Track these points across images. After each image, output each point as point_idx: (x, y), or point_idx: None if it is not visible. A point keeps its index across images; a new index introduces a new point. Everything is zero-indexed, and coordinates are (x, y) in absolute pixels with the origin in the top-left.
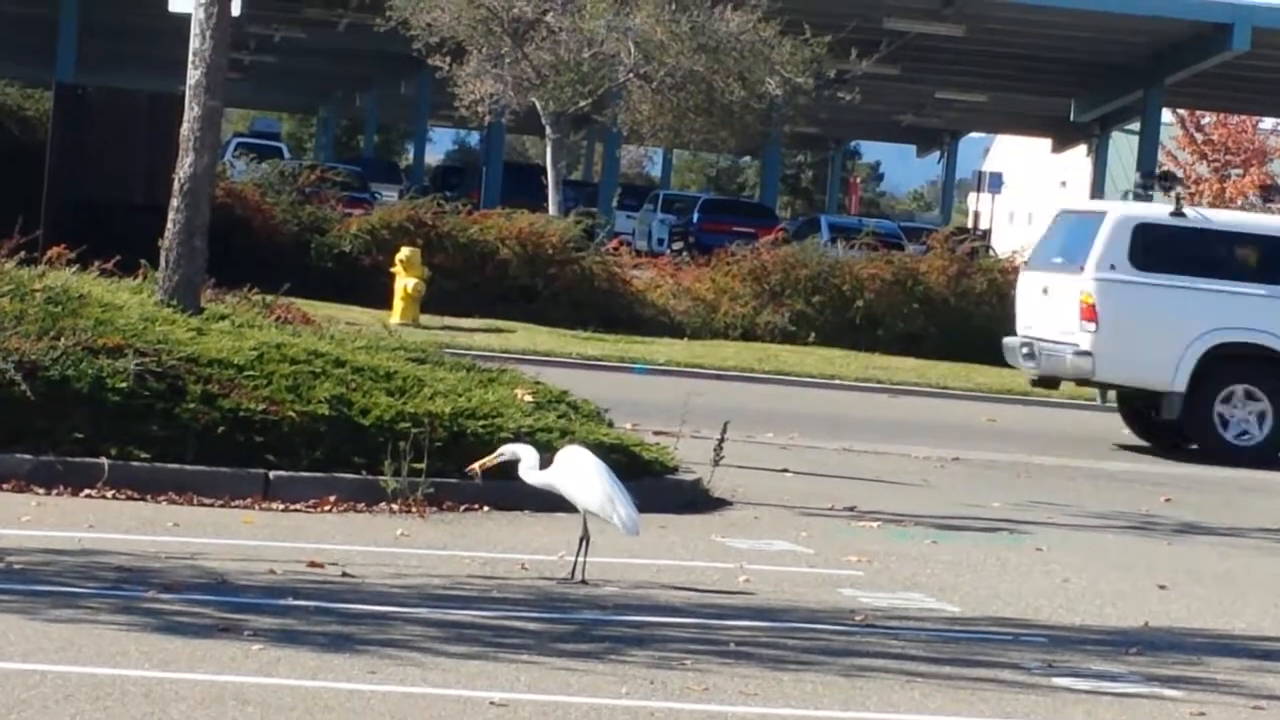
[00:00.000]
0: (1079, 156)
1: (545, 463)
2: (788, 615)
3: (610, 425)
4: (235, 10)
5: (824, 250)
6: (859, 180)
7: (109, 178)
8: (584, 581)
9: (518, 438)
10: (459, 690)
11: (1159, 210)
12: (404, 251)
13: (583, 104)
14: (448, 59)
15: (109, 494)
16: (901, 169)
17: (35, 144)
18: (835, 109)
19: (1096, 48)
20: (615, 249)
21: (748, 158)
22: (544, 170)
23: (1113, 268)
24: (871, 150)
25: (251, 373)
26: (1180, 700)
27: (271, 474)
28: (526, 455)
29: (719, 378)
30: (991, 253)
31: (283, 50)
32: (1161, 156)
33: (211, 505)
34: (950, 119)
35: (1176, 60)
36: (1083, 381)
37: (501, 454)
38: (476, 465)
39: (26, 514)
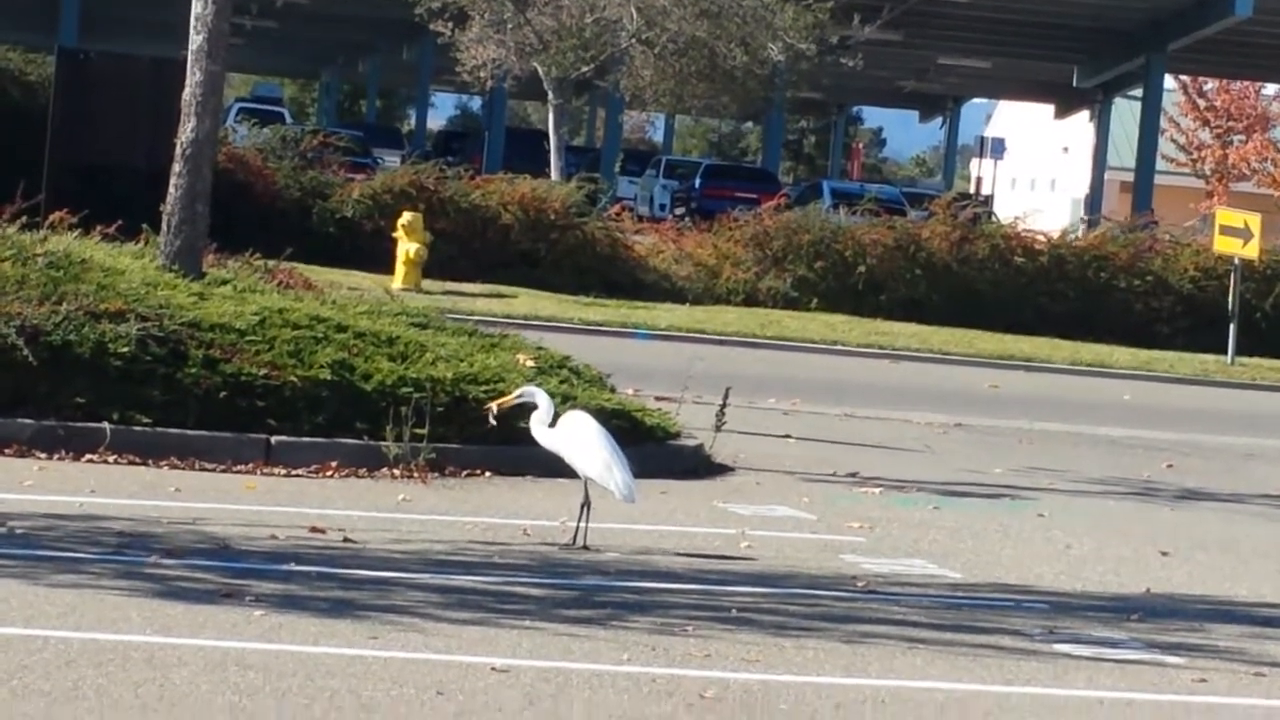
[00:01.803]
0: (1082, 122)
1: (550, 425)
2: (789, 581)
3: (612, 391)
4: None
5: (826, 216)
6: (861, 146)
7: (111, 143)
8: (586, 547)
9: None
10: (460, 656)
11: None
12: (406, 217)
13: (585, 69)
14: (450, 24)
15: (111, 459)
16: (904, 135)
17: (37, 109)
18: (838, 74)
19: (1099, 13)
20: (617, 214)
21: (750, 123)
22: (546, 135)
23: None
24: (874, 116)
25: (253, 338)
26: (1182, 666)
27: (273, 439)
28: (542, 404)
29: (721, 343)
30: (994, 218)
31: (285, 15)
32: (1164, 123)
33: (213, 470)
34: (953, 84)
35: (1179, 26)
36: None
37: (521, 394)
38: (494, 404)
39: (28, 479)
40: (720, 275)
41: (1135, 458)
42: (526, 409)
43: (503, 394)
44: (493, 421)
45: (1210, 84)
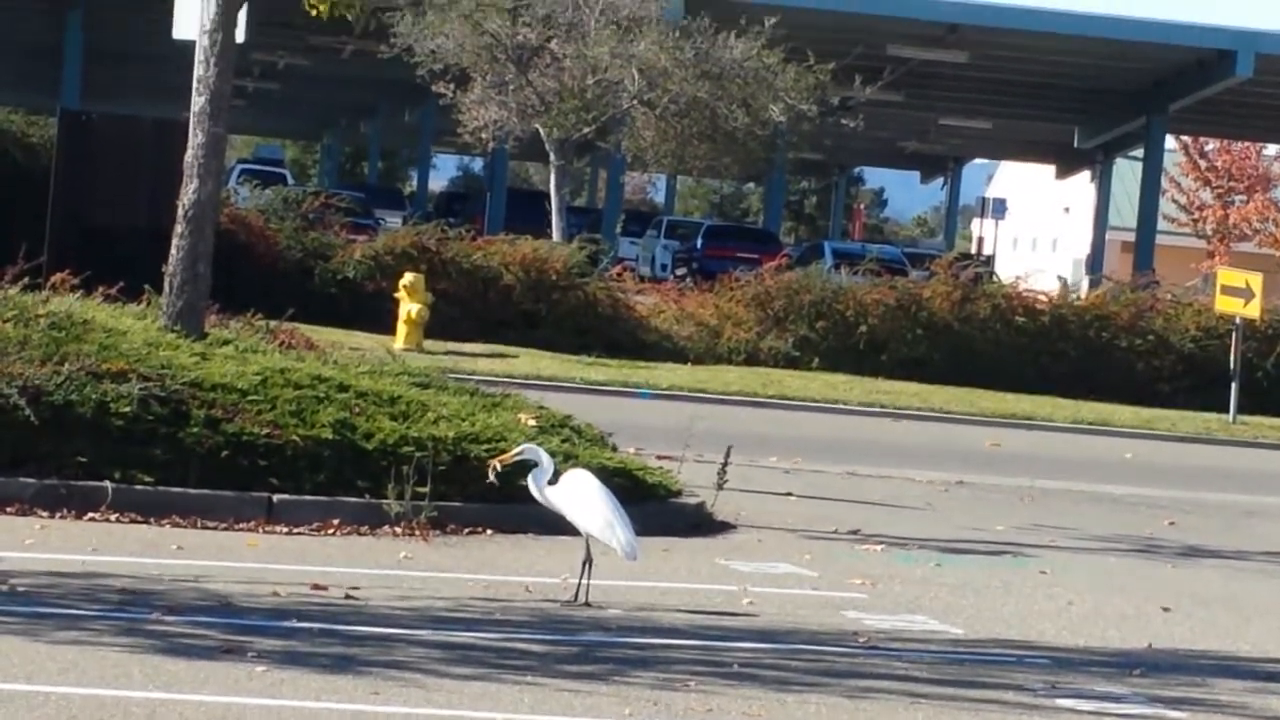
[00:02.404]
0: (1083, 183)
1: (551, 483)
2: (791, 637)
3: (614, 449)
4: (239, 37)
5: (828, 276)
6: (863, 206)
7: (113, 204)
8: (587, 603)
9: None
10: (462, 711)
11: None
12: (408, 277)
13: (586, 130)
14: (452, 86)
15: (113, 517)
16: (905, 195)
17: (40, 170)
18: (839, 135)
19: (1100, 74)
20: (619, 275)
21: (751, 184)
22: (547, 196)
23: None
24: (875, 176)
25: (255, 397)
26: None
27: (275, 497)
28: (543, 462)
29: (722, 402)
30: (995, 278)
31: (286, 77)
32: (1165, 183)
33: (215, 528)
34: (954, 145)
35: (1180, 87)
36: None
37: (522, 451)
38: (495, 461)
39: (30, 537)
40: (722, 335)
41: (1137, 515)
42: (527, 466)
43: (504, 451)
44: (493, 478)
45: (1211, 144)
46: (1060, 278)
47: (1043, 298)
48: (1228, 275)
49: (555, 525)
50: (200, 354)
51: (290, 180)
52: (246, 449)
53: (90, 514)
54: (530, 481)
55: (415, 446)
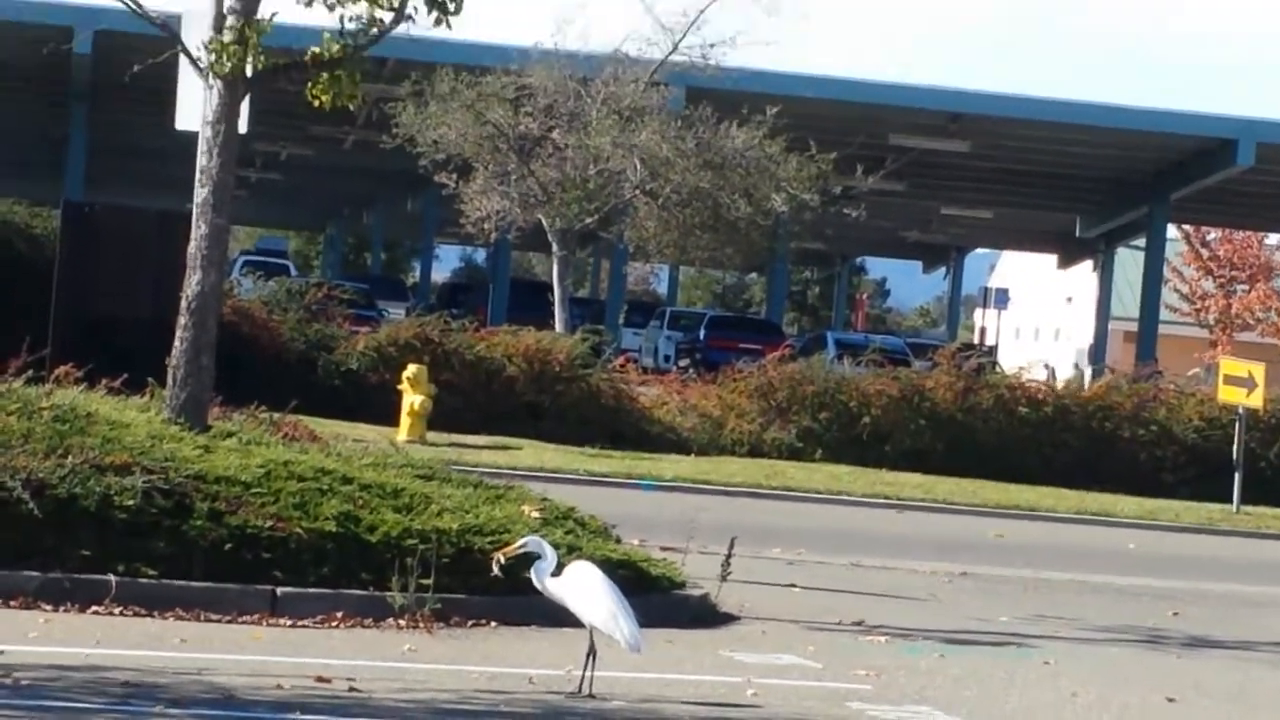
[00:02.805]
0: (1085, 272)
1: (555, 574)
2: None
3: (617, 541)
4: (242, 127)
5: (831, 367)
6: (865, 296)
7: (117, 295)
8: (591, 695)
9: None
10: None
11: None
12: (411, 369)
13: (589, 221)
14: (454, 176)
15: (116, 610)
16: (907, 285)
17: (43, 262)
18: (841, 225)
19: (1101, 164)
20: (622, 366)
21: (754, 274)
22: (550, 287)
23: None
24: (877, 266)
25: (259, 490)
26: None
27: (279, 590)
28: (546, 555)
29: (726, 494)
30: (998, 369)
31: (289, 167)
32: (1167, 272)
33: (219, 621)
34: (956, 234)
35: (1182, 176)
36: None
37: (525, 544)
38: (499, 554)
39: (34, 630)
40: (725, 426)
41: (1141, 606)
42: (530, 559)
43: (507, 543)
44: (497, 571)
45: (1213, 234)
46: (1047, 365)
47: (1044, 388)
48: (1230, 365)
49: (559, 617)
50: (204, 446)
51: (293, 271)
52: (250, 542)
53: (94, 607)
54: (533, 574)
55: (419, 539)
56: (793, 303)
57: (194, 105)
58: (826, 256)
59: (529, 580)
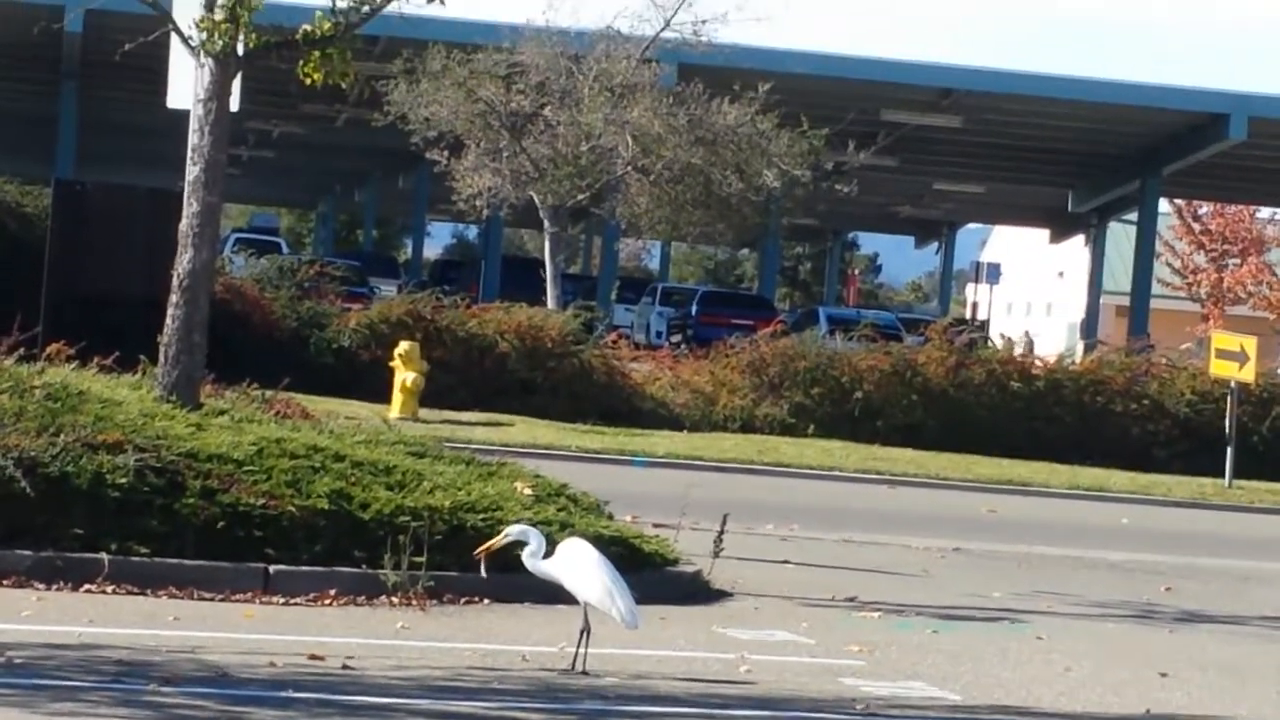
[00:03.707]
0: (1077, 247)
1: (547, 554)
2: (790, 705)
3: (610, 518)
4: (233, 106)
5: (822, 342)
6: (857, 272)
7: (108, 274)
8: (585, 672)
9: None
10: None
11: None
12: (403, 346)
13: (581, 197)
14: (446, 153)
15: (109, 589)
16: (899, 260)
17: (34, 241)
18: (833, 201)
19: (1094, 138)
20: (614, 342)
21: (746, 250)
22: (542, 264)
23: None
24: (869, 241)
25: (251, 468)
26: None
27: (271, 568)
28: (532, 539)
29: (718, 470)
30: (990, 344)
31: (281, 145)
32: (1159, 246)
33: (212, 599)
34: (948, 210)
35: (1174, 150)
36: None
37: (508, 534)
38: (481, 550)
39: (27, 609)
40: (717, 402)
41: (1134, 580)
42: (518, 547)
43: (501, 521)
44: (484, 573)
45: (1205, 208)
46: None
47: (1037, 363)
48: (1222, 339)
49: (552, 594)
50: (196, 424)
51: (285, 249)
52: (243, 519)
53: (87, 586)
54: (526, 561)
55: (411, 516)
56: (785, 278)
57: (185, 83)
58: (818, 232)
59: (521, 558)
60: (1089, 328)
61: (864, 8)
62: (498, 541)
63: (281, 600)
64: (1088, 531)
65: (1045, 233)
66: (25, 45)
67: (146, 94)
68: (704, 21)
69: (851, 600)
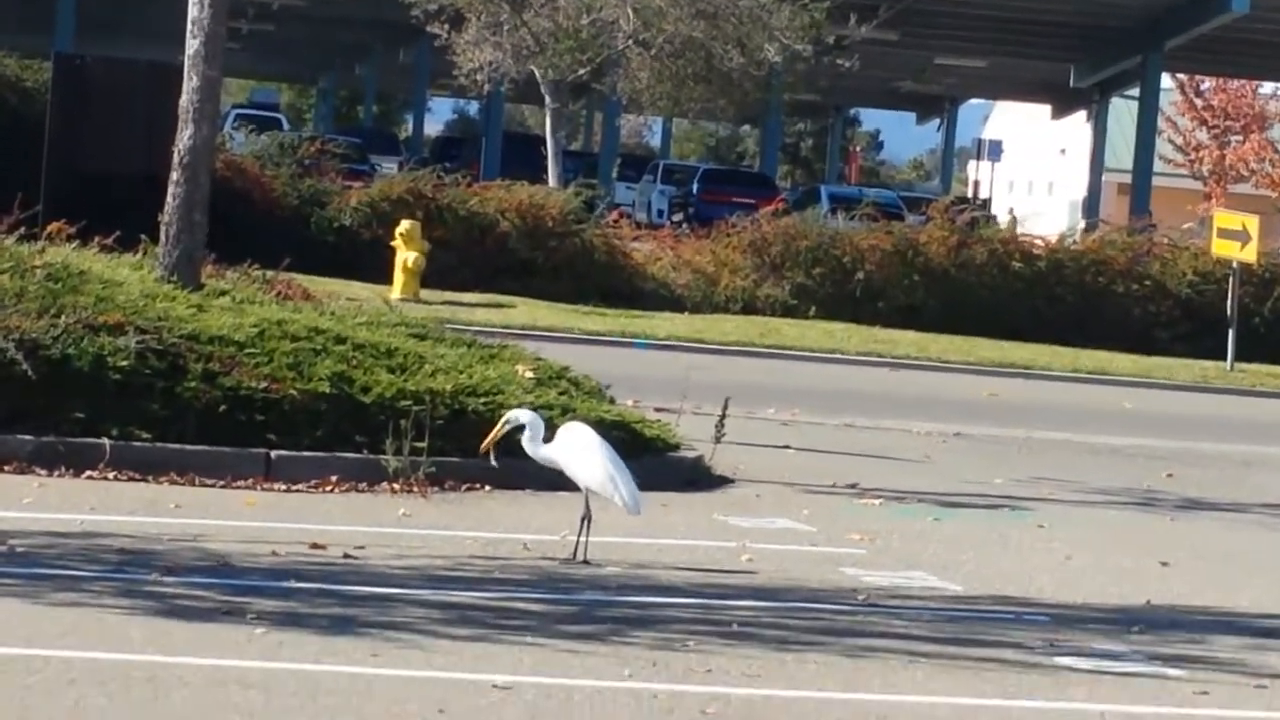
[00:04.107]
0: (1079, 124)
1: (547, 438)
2: (790, 595)
3: (611, 402)
4: None
5: (824, 221)
6: (858, 149)
7: (109, 150)
8: (586, 561)
9: None
10: (462, 674)
11: None
12: (404, 225)
13: (582, 72)
14: (446, 26)
15: (110, 475)
16: (901, 137)
17: (34, 115)
18: (834, 75)
19: (1096, 11)
20: (615, 221)
21: (747, 126)
22: (543, 141)
23: None
24: (871, 118)
25: (252, 350)
26: (1183, 680)
27: (273, 454)
28: (531, 423)
29: (720, 353)
30: (992, 222)
31: (281, 18)
32: (1161, 123)
33: (213, 486)
34: (950, 85)
35: (1176, 24)
36: None
37: (507, 421)
38: (485, 443)
39: (28, 496)
40: (719, 283)
41: (1136, 467)
42: (518, 432)
43: (502, 406)
44: (494, 462)
45: (1207, 83)
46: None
47: (1039, 242)
48: (1224, 218)
49: (553, 481)
50: (197, 305)
51: (286, 125)
52: (244, 403)
53: (88, 472)
54: (526, 445)
55: (413, 400)
56: (786, 155)
57: None
58: (820, 108)
59: (522, 444)
60: (1091, 206)
61: None
62: (498, 431)
63: (283, 486)
64: (1090, 416)
65: (1047, 109)
66: None
67: None
68: None
69: (853, 487)
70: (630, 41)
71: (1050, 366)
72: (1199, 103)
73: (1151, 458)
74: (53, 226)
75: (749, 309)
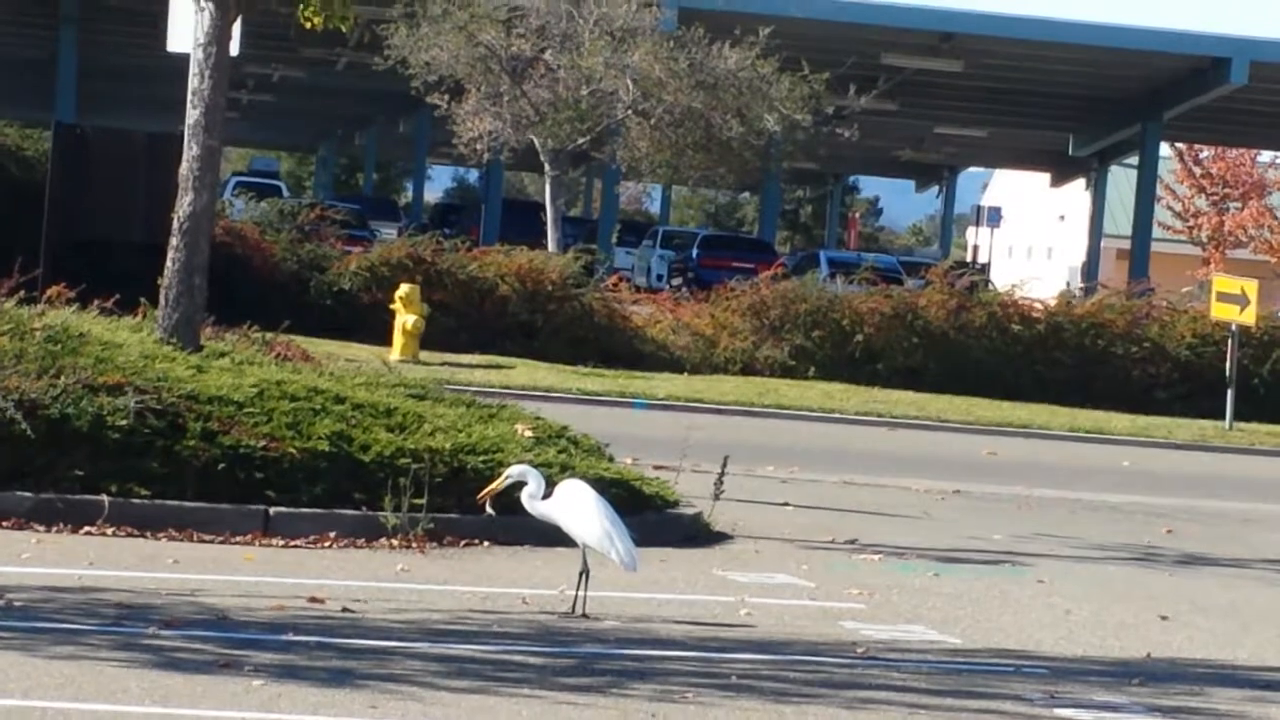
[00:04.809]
0: (1078, 190)
1: (546, 495)
2: (789, 648)
3: (610, 460)
4: (234, 50)
5: (823, 285)
6: (858, 215)
7: (109, 217)
8: (585, 615)
9: None
10: None
11: None
12: (403, 288)
13: (581, 141)
14: (446, 97)
15: (109, 531)
16: (900, 204)
17: (34, 184)
18: (834, 144)
19: (1094, 82)
20: (614, 285)
21: (747, 193)
22: (543, 207)
23: None
24: (870, 185)
25: (251, 410)
26: None
27: (272, 510)
28: (532, 480)
29: (719, 412)
30: (990, 287)
31: (281, 89)
32: (1160, 190)
33: (212, 542)
34: (949, 154)
35: (1175, 94)
36: None
37: (508, 476)
38: (483, 494)
39: (27, 551)
40: (718, 345)
41: (1135, 523)
42: (517, 488)
43: (501, 464)
44: (490, 511)
45: (1206, 151)
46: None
47: (1038, 305)
48: (1223, 282)
49: (551, 537)
50: (196, 366)
51: (285, 192)
52: (243, 461)
53: (87, 528)
54: (524, 502)
55: (412, 458)
56: (785, 222)
57: (185, 27)
58: (819, 176)
59: (521, 500)
60: (1090, 271)
61: None
62: (499, 484)
63: (281, 542)
64: (1088, 473)
65: (1046, 176)
66: None
67: (146, 38)
68: None
69: (852, 543)
70: (630, 111)
71: (1049, 426)
72: (1197, 170)
73: (1150, 514)
74: (52, 290)
75: (748, 370)
